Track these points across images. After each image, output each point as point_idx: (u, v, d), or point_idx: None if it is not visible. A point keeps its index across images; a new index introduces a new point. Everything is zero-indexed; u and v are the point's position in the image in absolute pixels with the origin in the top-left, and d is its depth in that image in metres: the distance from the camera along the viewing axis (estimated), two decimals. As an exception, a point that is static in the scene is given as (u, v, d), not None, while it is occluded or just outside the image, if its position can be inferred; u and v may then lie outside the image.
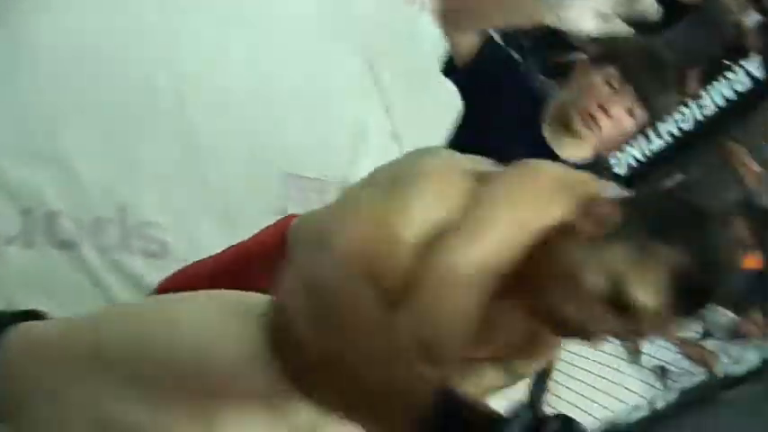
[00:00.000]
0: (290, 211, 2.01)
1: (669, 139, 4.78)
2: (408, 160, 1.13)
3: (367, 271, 0.96)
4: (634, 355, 4.25)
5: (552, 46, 4.48)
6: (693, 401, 2.36)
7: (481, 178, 1.09)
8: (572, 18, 1.62)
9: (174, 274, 1.95)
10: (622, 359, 4.16)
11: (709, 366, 3.97)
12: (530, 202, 1.06)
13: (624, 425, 2.60)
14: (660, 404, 2.56)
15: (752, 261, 4.68)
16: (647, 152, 4.87)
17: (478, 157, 1.18)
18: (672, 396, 2.55)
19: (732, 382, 2.34)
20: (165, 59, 2.80)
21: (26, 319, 1.28)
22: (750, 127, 4.60)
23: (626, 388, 3.30)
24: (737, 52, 4.81)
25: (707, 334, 4.42)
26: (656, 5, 1.87)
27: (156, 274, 2.52)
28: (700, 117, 4.61)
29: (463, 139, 2.00)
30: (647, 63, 1.81)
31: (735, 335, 4.26)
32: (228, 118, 2.87)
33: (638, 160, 4.90)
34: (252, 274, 1.58)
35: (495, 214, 1.04)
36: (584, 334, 1.08)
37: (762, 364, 2.31)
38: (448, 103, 2.11)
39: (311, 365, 0.99)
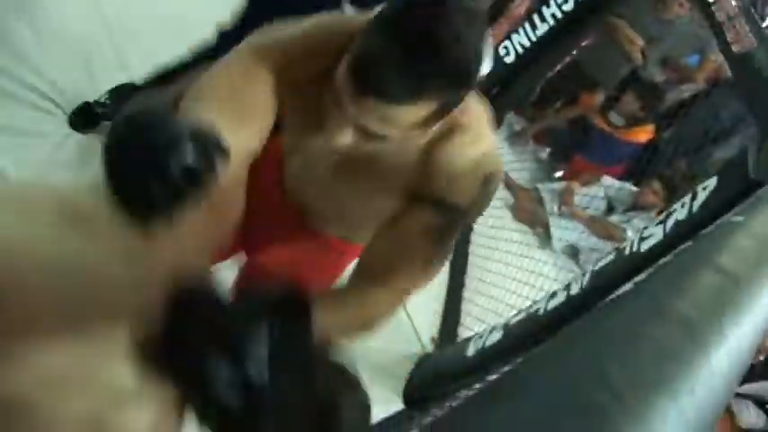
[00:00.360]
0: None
1: (553, 21, 4.80)
2: None
3: None
4: (544, 241, 4.39)
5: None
6: (603, 287, 2.43)
7: None
8: None
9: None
10: (535, 246, 4.30)
11: (615, 240, 4.12)
12: None
13: (543, 314, 2.65)
14: (575, 289, 2.61)
15: (644, 133, 4.83)
16: (534, 38, 4.89)
17: None
18: (585, 280, 2.60)
19: (638, 261, 2.40)
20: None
21: None
22: (632, 2, 4.65)
23: (542, 275, 3.39)
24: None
25: (610, 209, 4.57)
26: None
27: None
28: (580, -4, 4.63)
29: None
30: None
31: (635, 206, 4.41)
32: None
33: (524, 47, 4.93)
34: None
35: None
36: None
37: (664, 238, 2.36)
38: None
39: None
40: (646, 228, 2.53)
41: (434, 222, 1.26)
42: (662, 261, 0.94)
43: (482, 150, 1.28)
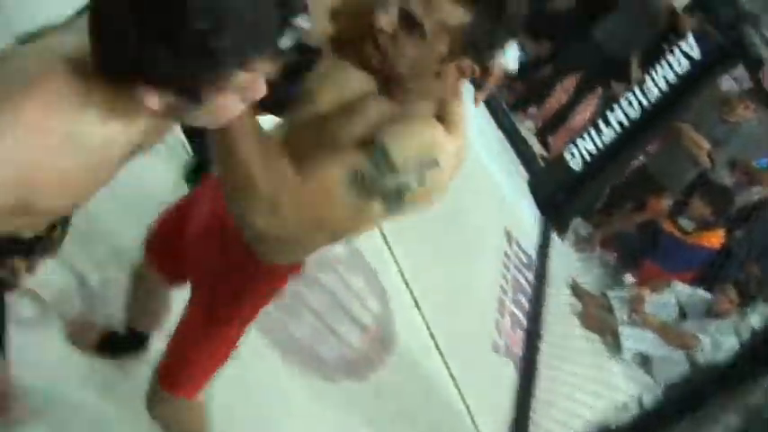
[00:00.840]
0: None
1: (618, 128, 4.82)
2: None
3: None
4: (614, 349, 4.26)
5: None
6: (678, 399, 2.34)
7: None
8: None
9: None
10: (605, 356, 4.18)
11: (688, 348, 3.98)
12: None
13: (614, 427, 2.57)
14: (648, 401, 2.53)
15: (715, 238, 4.72)
16: (600, 144, 4.91)
17: None
18: (658, 391, 2.52)
19: (715, 372, 2.32)
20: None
21: None
22: (697, 106, 4.65)
23: (612, 386, 3.30)
24: (673, 35, 4.88)
25: (683, 316, 4.43)
26: None
27: None
28: (645, 103, 4.66)
29: None
30: None
31: (710, 314, 4.27)
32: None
33: (590, 153, 4.95)
34: None
35: None
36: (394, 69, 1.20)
37: (740, 347, 2.29)
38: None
39: None
40: (720, 336, 2.45)
41: (361, 164, 1.17)
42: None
43: (458, 144, 1.23)
